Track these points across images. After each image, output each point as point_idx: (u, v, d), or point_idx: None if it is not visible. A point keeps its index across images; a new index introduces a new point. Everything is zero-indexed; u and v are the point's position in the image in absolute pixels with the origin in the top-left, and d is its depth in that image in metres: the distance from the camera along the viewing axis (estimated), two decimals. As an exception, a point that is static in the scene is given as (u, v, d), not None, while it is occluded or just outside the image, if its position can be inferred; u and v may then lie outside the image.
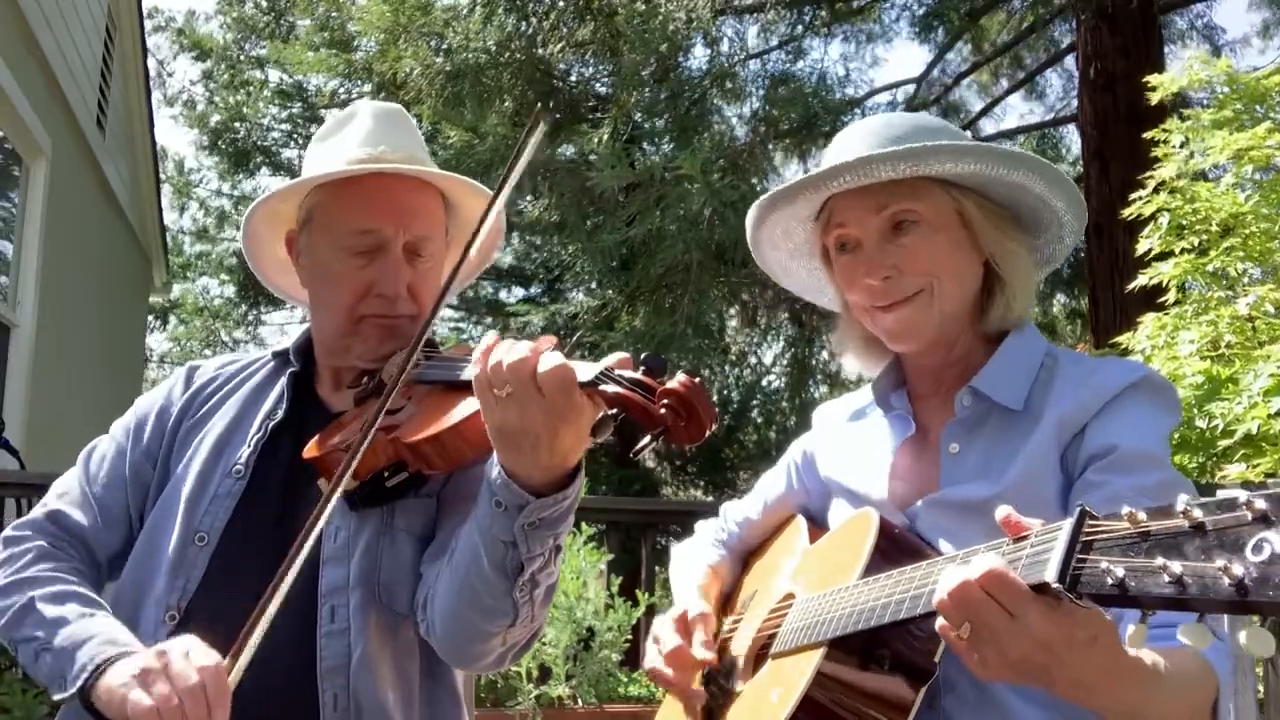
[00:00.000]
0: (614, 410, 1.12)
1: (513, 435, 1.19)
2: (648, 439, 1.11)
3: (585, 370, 1.17)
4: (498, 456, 1.24)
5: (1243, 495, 0.78)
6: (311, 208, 1.62)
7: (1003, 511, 1.06)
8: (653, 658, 1.57)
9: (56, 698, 1.37)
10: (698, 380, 1.11)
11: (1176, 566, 0.80)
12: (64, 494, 1.64)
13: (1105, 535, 0.90)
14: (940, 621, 1.06)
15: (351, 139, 1.62)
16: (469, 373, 1.25)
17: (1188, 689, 1.15)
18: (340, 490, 1.30)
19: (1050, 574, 0.93)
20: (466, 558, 1.32)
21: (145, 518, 1.60)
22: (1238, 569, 0.76)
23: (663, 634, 1.58)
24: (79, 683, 1.32)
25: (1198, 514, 0.81)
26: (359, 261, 1.56)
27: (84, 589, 1.49)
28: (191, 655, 1.26)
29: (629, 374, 1.15)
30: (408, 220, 1.57)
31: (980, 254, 1.49)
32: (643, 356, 1.16)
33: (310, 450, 1.51)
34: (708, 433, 1.11)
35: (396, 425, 1.43)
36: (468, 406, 1.31)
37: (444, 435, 1.35)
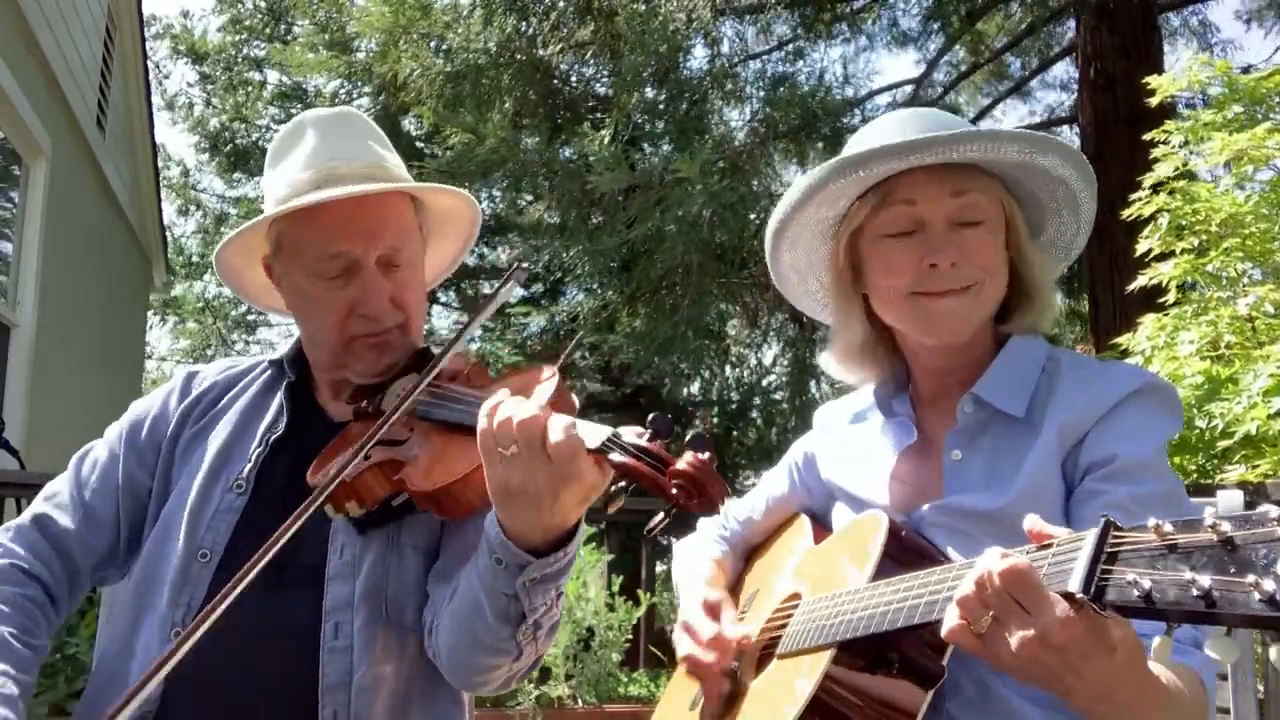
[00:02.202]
0: (623, 483, 1.15)
1: (515, 494, 1.19)
2: (661, 517, 1.16)
3: (593, 436, 1.17)
4: (497, 514, 1.23)
5: (1274, 511, 0.78)
6: (279, 235, 1.58)
7: (1030, 521, 1.05)
8: (689, 645, 1.56)
9: None
10: (707, 455, 1.13)
11: (1205, 580, 0.80)
12: (52, 497, 1.62)
13: (1131, 546, 0.89)
14: (953, 621, 1.05)
15: (298, 161, 1.56)
16: (475, 421, 1.23)
17: (1194, 708, 1.16)
18: (320, 502, 1.29)
19: (1074, 584, 0.92)
20: (468, 607, 1.32)
21: (141, 529, 1.59)
22: (1269, 584, 0.76)
23: (695, 621, 1.58)
24: None
25: (1226, 528, 0.81)
26: (336, 284, 1.53)
27: (9, 631, 1.45)
28: None
29: (635, 441, 1.16)
30: (376, 236, 1.53)
31: (1008, 259, 1.49)
32: (650, 419, 1.16)
33: (313, 473, 1.50)
34: (720, 506, 1.13)
35: (401, 463, 1.42)
36: (477, 456, 1.29)
37: (454, 487, 1.35)
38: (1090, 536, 0.94)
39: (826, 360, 1.66)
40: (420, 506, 1.42)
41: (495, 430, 1.18)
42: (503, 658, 1.33)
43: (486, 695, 3.73)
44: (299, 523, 1.26)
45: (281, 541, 1.24)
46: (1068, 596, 0.94)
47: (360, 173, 1.54)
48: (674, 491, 1.11)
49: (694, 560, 1.82)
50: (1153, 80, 4.76)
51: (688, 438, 1.14)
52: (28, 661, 1.45)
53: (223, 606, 1.19)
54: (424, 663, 1.48)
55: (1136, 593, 0.85)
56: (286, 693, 1.42)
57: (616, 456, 1.15)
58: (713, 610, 1.59)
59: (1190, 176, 4.50)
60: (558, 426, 1.15)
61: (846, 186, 1.47)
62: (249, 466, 1.56)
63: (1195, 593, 0.80)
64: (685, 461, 1.12)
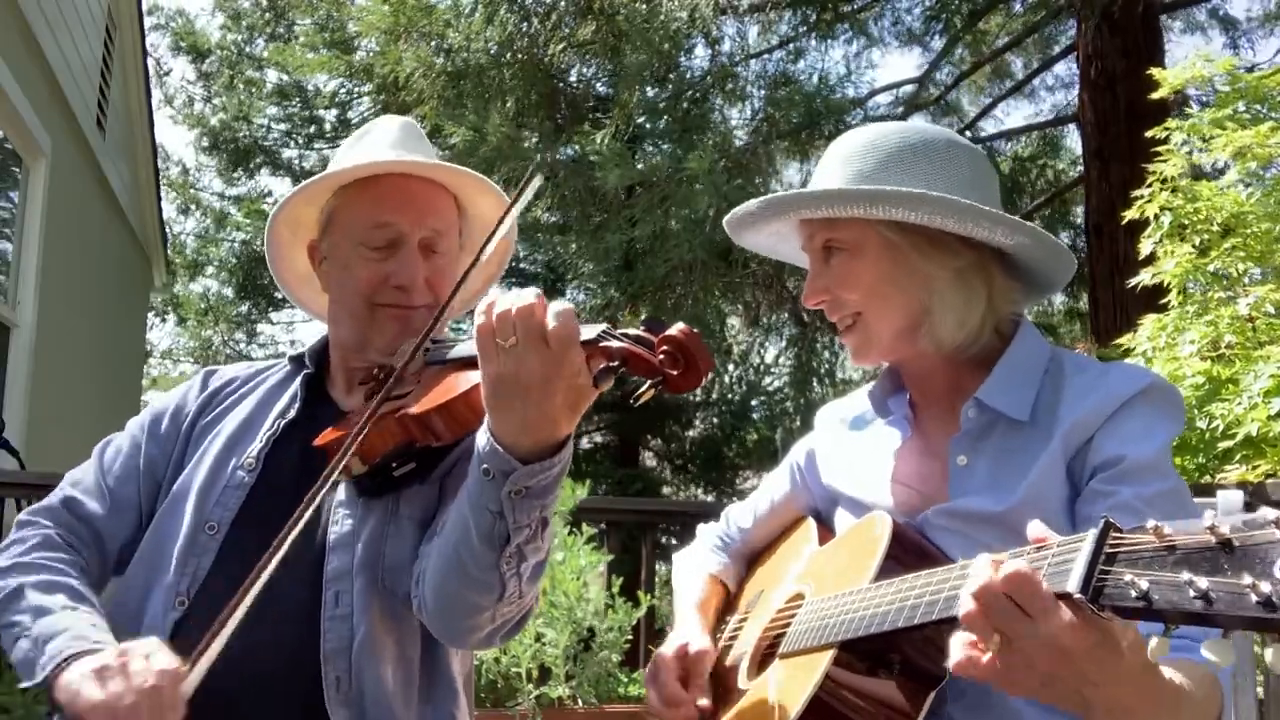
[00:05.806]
0: (615, 362, 1.16)
1: (507, 388, 1.20)
2: (647, 385, 1.15)
3: (588, 329, 1.20)
4: (488, 418, 1.25)
5: (1272, 514, 0.79)
6: (332, 211, 1.67)
7: (1034, 527, 1.05)
8: (652, 701, 1.55)
9: (24, 685, 1.39)
10: (696, 330, 1.15)
11: (1203, 582, 0.80)
12: (78, 483, 1.67)
13: (1129, 548, 0.89)
14: (963, 653, 1.02)
15: (378, 145, 1.68)
16: (474, 334, 1.26)
17: (1205, 707, 1.15)
18: (341, 466, 1.31)
19: (1072, 584, 0.92)
20: (456, 530, 1.33)
21: (156, 512, 1.62)
22: (1265, 586, 0.76)
23: (663, 675, 1.55)
24: (45, 673, 1.35)
25: (1225, 530, 0.81)
26: (377, 255, 1.61)
27: (76, 582, 1.51)
28: (152, 658, 1.27)
29: (630, 331, 1.19)
30: (424, 216, 1.63)
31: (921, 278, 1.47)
32: (643, 317, 1.20)
33: (322, 439, 1.53)
34: (704, 380, 1.15)
35: (402, 406, 1.45)
36: (474, 377, 1.33)
37: (452, 404, 1.38)
38: (1089, 537, 0.94)
39: None
40: (421, 440, 1.43)
41: (494, 322, 1.19)
42: (487, 594, 1.33)
43: (483, 676, 3.74)
44: (337, 471, 1.29)
45: (321, 494, 1.28)
46: (1065, 596, 0.94)
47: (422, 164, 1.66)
48: (660, 359, 1.13)
49: (690, 576, 1.81)
50: (1156, 73, 4.74)
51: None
52: (98, 606, 1.50)
53: (273, 562, 1.24)
54: (420, 634, 1.52)
55: (1134, 593, 0.85)
56: (292, 662, 1.45)
57: (610, 344, 1.17)
58: (685, 665, 1.56)
59: (1200, 175, 4.49)
60: (554, 311, 1.18)
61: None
62: (260, 446, 1.62)
63: (1193, 594, 0.80)
64: (676, 329, 1.14)
